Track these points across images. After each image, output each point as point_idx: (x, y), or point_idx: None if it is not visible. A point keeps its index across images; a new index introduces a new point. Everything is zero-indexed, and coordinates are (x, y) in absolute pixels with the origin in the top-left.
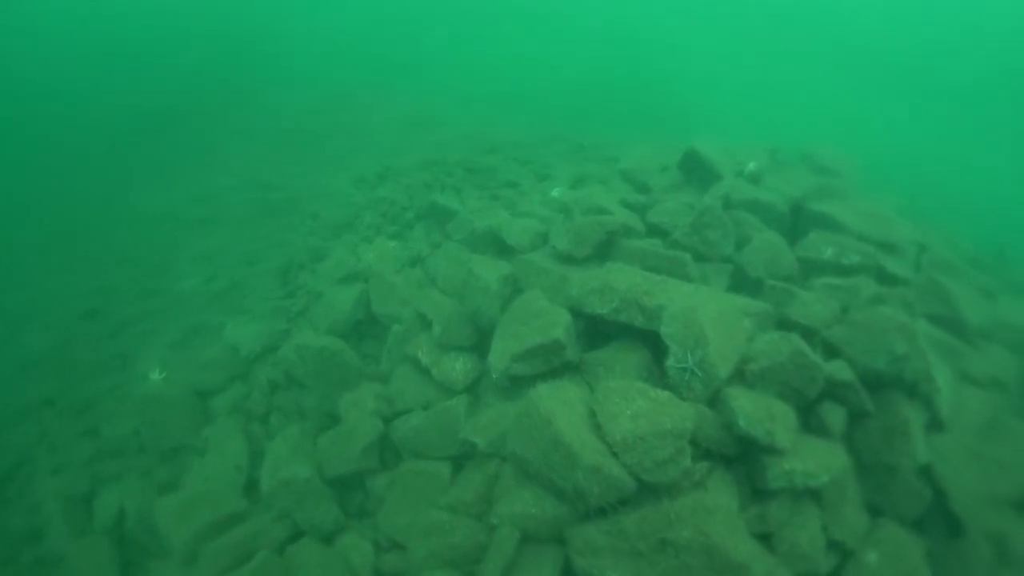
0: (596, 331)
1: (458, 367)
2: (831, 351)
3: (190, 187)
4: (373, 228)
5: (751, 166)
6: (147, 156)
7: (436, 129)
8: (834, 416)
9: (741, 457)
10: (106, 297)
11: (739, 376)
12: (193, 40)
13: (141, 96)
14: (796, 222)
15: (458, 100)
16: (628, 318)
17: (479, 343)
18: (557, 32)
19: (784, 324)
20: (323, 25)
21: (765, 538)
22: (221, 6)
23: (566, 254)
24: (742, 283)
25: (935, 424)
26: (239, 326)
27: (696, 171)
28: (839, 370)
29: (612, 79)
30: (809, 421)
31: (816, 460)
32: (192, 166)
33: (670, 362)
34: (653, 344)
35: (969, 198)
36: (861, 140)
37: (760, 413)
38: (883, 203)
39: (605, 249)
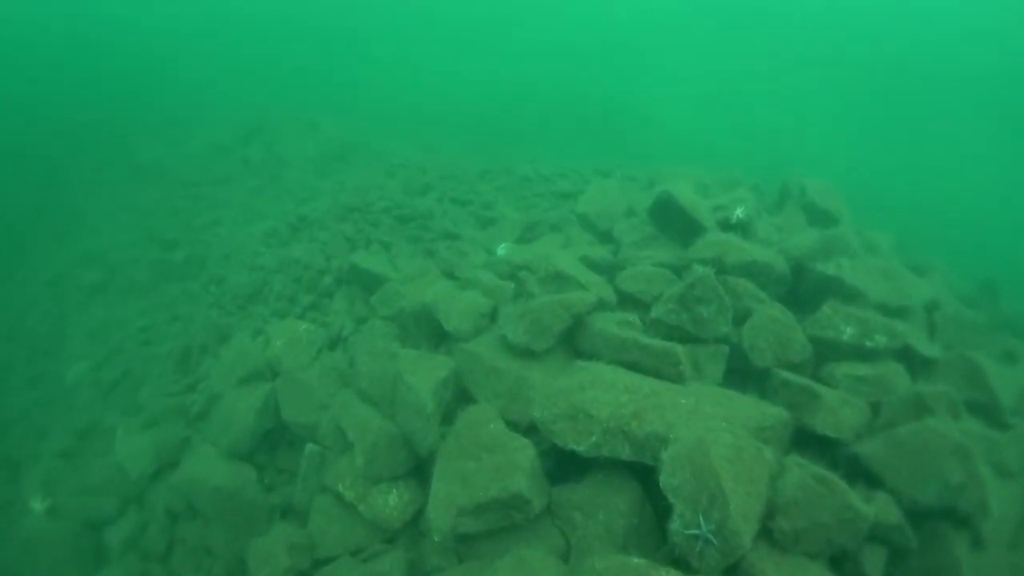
0: (566, 453)
1: (391, 502)
2: (868, 476)
3: (84, 242)
4: (285, 299)
5: (739, 212)
6: (38, 203)
7: (359, 162)
8: (874, 561)
9: None
10: None
11: (764, 533)
12: (81, 67)
13: (25, 134)
14: (798, 284)
15: (385, 125)
16: (612, 451)
17: (417, 467)
18: (493, 46)
19: (805, 434)
20: (231, 47)
21: None
22: (114, 27)
23: (522, 346)
24: (743, 370)
25: (975, 543)
26: (130, 435)
27: (672, 221)
28: (886, 512)
29: (558, 96)
30: (843, 567)
31: None
32: (89, 213)
33: (676, 525)
34: (642, 473)
35: (949, 220)
36: (829, 156)
37: None
38: (882, 245)
39: (569, 335)
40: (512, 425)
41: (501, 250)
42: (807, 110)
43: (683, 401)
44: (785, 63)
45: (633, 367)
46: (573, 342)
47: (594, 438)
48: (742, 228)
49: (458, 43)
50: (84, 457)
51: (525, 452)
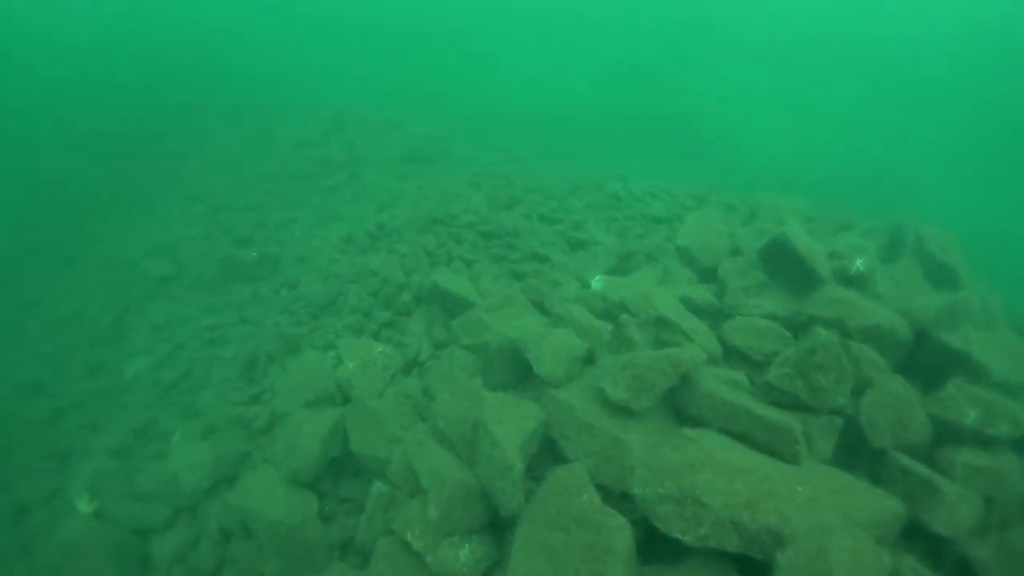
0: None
1: (462, 557)
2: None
3: (155, 232)
4: (359, 313)
5: (859, 264)
6: (112, 187)
7: (443, 166)
8: None
9: None
10: (50, 368)
11: None
12: (167, 54)
13: (103, 119)
14: (918, 351)
15: (466, 128)
16: (719, 543)
17: (494, 521)
18: (572, 53)
19: (915, 529)
20: (317, 41)
21: None
22: (207, 14)
23: (621, 404)
24: (851, 445)
25: None
26: (188, 442)
27: (785, 267)
28: None
29: (641, 108)
30: None
31: None
32: (162, 202)
33: None
34: (743, 561)
35: None
36: (932, 196)
37: None
38: (996, 309)
39: (672, 392)
40: (602, 489)
41: (596, 283)
42: (909, 143)
43: (799, 489)
44: (888, 92)
45: (742, 438)
46: (674, 400)
47: (703, 529)
48: (860, 281)
49: (541, 50)
50: (136, 458)
51: (623, 533)
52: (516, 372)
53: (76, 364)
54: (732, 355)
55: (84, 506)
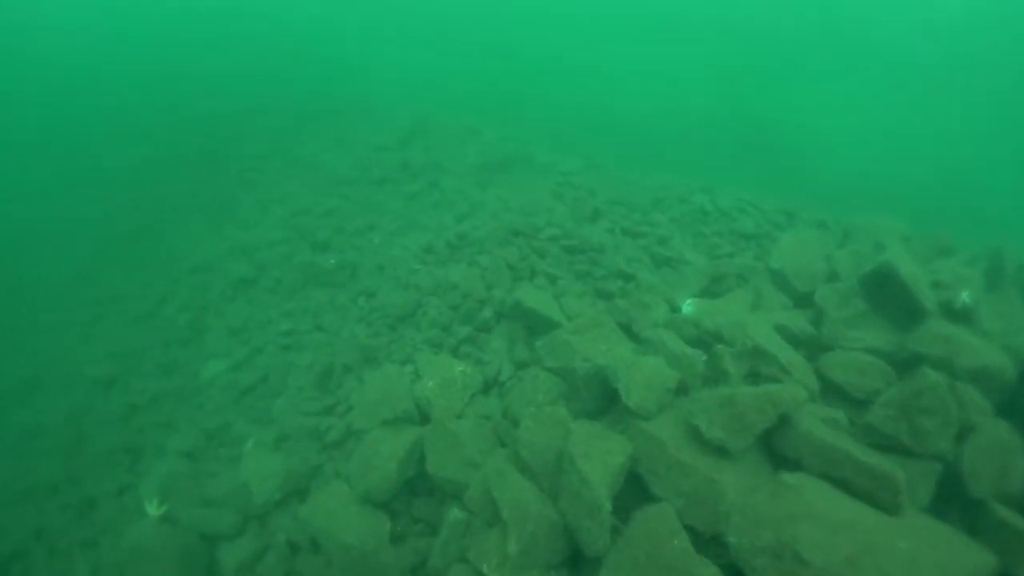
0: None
1: None
2: None
3: (235, 234)
4: (438, 327)
5: (964, 298)
6: (193, 184)
7: (523, 174)
8: None
9: None
10: (124, 364)
11: None
12: (253, 56)
13: (186, 119)
14: (1021, 393)
15: (546, 132)
16: None
17: (573, 555)
18: (655, 58)
19: None
20: (399, 45)
21: None
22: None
23: (716, 443)
24: (951, 496)
25: None
26: (260, 450)
27: (889, 298)
28: None
29: (717, 115)
30: None
31: None
32: (242, 204)
33: None
34: None
35: None
36: None
37: None
38: None
39: (768, 433)
40: (691, 531)
41: (687, 307)
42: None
43: (900, 544)
44: (987, 109)
45: (841, 484)
46: (770, 439)
47: None
48: (966, 315)
49: (623, 55)
50: (208, 461)
51: None
52: (602, 399)
53: (151, 362)
54: (830, 391)
55: (153, 509)
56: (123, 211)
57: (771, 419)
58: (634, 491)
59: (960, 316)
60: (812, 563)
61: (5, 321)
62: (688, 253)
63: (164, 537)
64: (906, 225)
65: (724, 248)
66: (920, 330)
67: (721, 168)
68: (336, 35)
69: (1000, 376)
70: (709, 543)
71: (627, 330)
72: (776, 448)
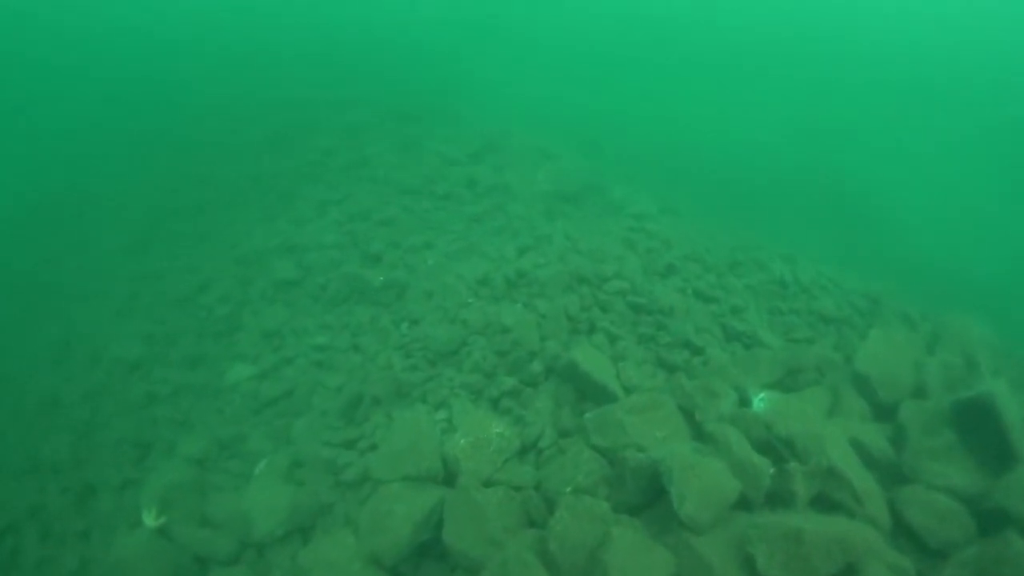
0: None
1: None
2: None
3: (287, 229)
4: (481, 372)
5: None
6: (254, 174)
7: (593, 208)
8: None
9: None
10: (152, 348)
11: None
12: (334, 48)
13: (258, 105)
14: None
15: (622, 164)
16: None
17: None
18: (746, 100)
19: None
20: (488, 54)
21: None
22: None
23: None
24: None
25: None
26: (271, 476)
27: (980, 433)
28: None
29: (803, 167)
30: None
31: None
32: (300, 198)
33: None
34: None
35: None
36: None
37: None
38: None
39: None
40: None
41: (759, 402)
42: None
43: None
44: None
45: None
46: None
47: None
48: None
49: (712, 93)
50: (217, 472)
51: None
52: (649, 493)
53: (180, 351)
54: (902, 530)
55: (151, 520)
56: (182, 188)
57: (838, 565)
58: None
59: None
60: None
61: (51, 282)
62: (763, 331)
63: (155, 554)
64: (995, 335)
65: (802, 331)
66: (1009, 479)
67: (799, 227)
68: (431, 33)
69: None
70: None
71: (688, 416)
72: None
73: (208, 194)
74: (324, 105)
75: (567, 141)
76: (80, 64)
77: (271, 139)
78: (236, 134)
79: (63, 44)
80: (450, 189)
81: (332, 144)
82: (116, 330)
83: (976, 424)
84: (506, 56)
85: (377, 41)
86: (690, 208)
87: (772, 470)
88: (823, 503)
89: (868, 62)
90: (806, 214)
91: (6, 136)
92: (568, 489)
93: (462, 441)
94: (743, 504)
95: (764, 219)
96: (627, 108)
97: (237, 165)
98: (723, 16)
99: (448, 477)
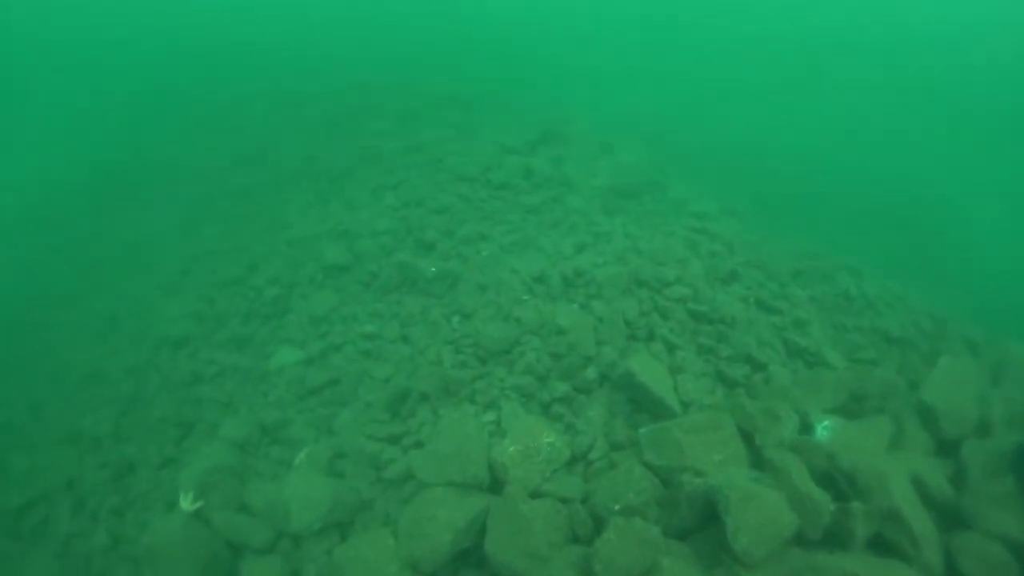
0: None
1: None
2: None
3: (340, 213)
4: (533, 375)
5: None
6: (307, 156)
7: (653, 206)
8: None
9: None
10: (200, 327)
11: None
12: (398, 28)
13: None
14: None
15: (682, 159)
16: None
17: None
18: (816, 100)
19: None
20: (554, 40)
21: None
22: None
23: None
24: None
25: None
26: (312, 467)
27: None
28: None
29: (870, 175)
30: None
31: None
32: (355, 182)
33: None
34: None
35: None
36: None
37: None
38: None
39: None
40: None
41: (823, 430)
42: None
43: None
44: None
45: None
46: None
47: None
48: None
49: (778, 91)
50: (258, 458)
51: None
52: (701, 518)
53: (227, 332)
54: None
55: (187, 504)
56: (236, 168)
57: None
58: None
59: None
60: None
61: (104, 255)
62: (826, 348)
63: (190, 539)
64: None
65: (866, 350)
66: None
67: (863, 236)
68: (489, 19)
69: None
70: None
71: (748, 439)
72: None
73: (262, 175)
74: (380, 88)
75: (627, 134)
76: (141, 44)
77: (326, 121)
78: (291, 115)
79: (124, 24)
80: (507, 179)
81: (388, 128)
82: (164, 307)
83: None
84: (567, 44)
85: (433, 25)
86: (751, 210)
87: (832, 507)
88: (879, 544)
89: (947, 69)
90: (870, 222)
91: (70, 112)
92: (617, 507)
93: (511, 449)
94: (799, 539)
95: (827, 225)
96: (689, 103)
97: (291, 146)
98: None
99: (494, 484)
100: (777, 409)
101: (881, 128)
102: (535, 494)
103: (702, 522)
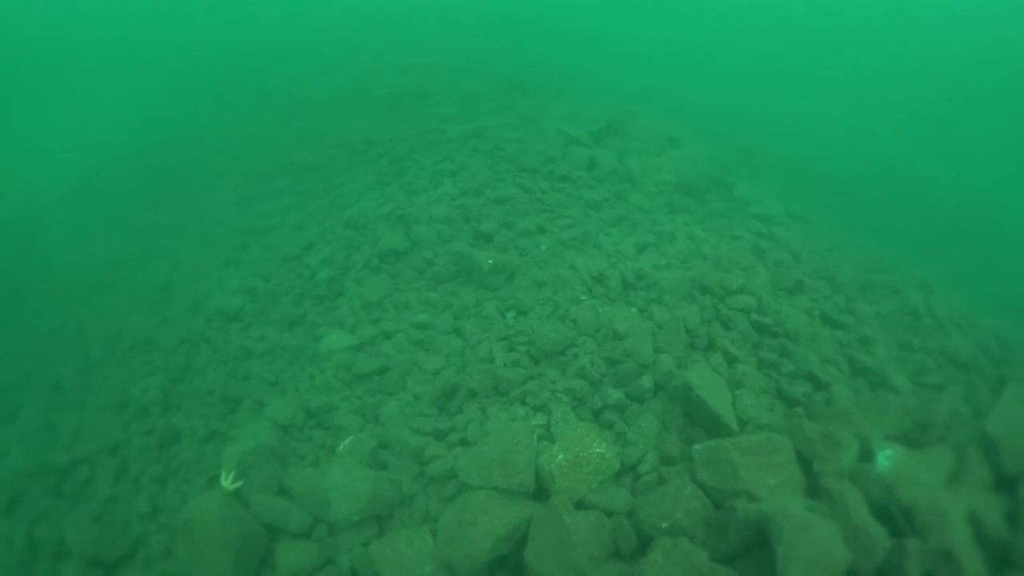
0: None
1: None
2: None
3: (398, 196)
4: (587, 379)
5: None
6: (368, 136)
7: (718, 206)
8: None
9: None
10: (254, 303)
11: None
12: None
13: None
14: None
15: (748, 156)
16: None
17: None
18: (889, 98)
19: None
20: (629, 29)
21: None
22: None
23: None
24: None
25: None
26: (354, 457)
27: None
28: None
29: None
30: None
31: None
32: (415, 165)
33: None
34: None
35: None
36: None
37: None
38: None
39: None
40: None
41: (884, 460)
42: None
43: None
44: None
45: None
46: None
47: None
48: None
49: (850, 87)
50: (301, 441)
51: None
52: (749, 543)
53: (280, 310)
54: None
55: (227, 483)
56: (298, 144)
57: None
58: None
59: None
60: None
61: (165, 222)
62: (891, 369)
63: (227, 518)
64: None
65: (932, 374)
66: None
67: (932, 247)
68: (561, 6)
69: None
70: None
71: (805, 463)
72: None
73: (325, 153)
74: (442, 71)
75: (691, 128)
76: (213, 17)
77: (388, 102)
78: (357, 94)
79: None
80: (569, 171)
81: (450, 112)
82: (220, 280)
83: None
84: (631, 32)
85: (498, 8)
86: (817, 213)
87: (888, 545)
88: None
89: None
90: (939, 232)
91: (138, 81)
92: (664, 524)
93: (560, 457)
94: (849, 574)
95: (895, 234)
96: (755, 98)
97: (355, 126)
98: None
99: (539, 491)
100: (838, 435)
101: (951, 129)
102: (580, 505)
103: (749, 547)
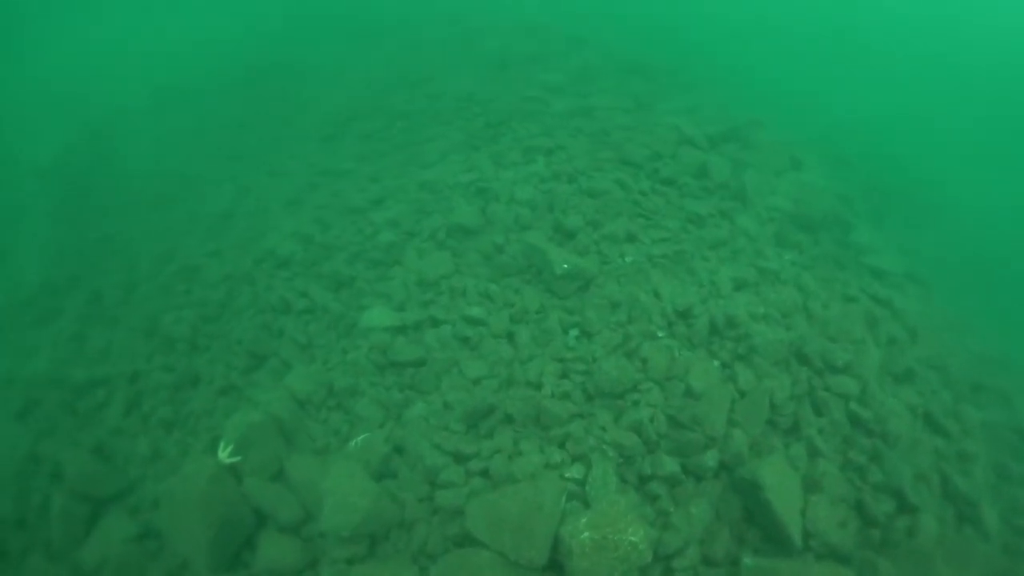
0: None
1: None
2: None
3: (484, 166)
4: (642, 436)
5: None
6: (470, 94)
7: (831, 247)
8: None
9: None
10: (306, 254)
11: None
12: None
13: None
14: None
15: (873, 191)
16: None
17: None
18: None
19: None
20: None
21: None
22: None
23: None
24: None
25: None
26: (360, 464)
27: None
28: None
29: None
30: None
31: None
32: (509, 133)
33: None
34: None
35: None
36: None
37: None
38: None
39: None
40: None
41: None
42: None
43: None
44: None
45: None
46: None
47: None
48: None
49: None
50: (313, 421)
51: None
52: None
53: (331, 266)
54: None
55: (224, 454)
56: (393, 89)
57: None
58: None
59: None
60: None
61: (244, 145)
62: (986, 500)
63: (214, 493)
64: None
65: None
66: None
67: None
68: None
69: None
70: None
71: None
72: None
73: (417, 102)
74: (560, 38)
75: (817, 150)
76: None
77: (493, 61)
78: (465, 47)
79: None
80: (676, 173)
81: (558, 81)
82: (279, 220)
83: None
84: (761, 29)
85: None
86: (940, 278)
87: None
88: None
89: None
90: None
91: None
92: None
93: (585, 535)
94: None
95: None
96: (893, 123)
97: (456, 80)
98: None
99: (552, 563)
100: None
101: None
102: None
103: None
